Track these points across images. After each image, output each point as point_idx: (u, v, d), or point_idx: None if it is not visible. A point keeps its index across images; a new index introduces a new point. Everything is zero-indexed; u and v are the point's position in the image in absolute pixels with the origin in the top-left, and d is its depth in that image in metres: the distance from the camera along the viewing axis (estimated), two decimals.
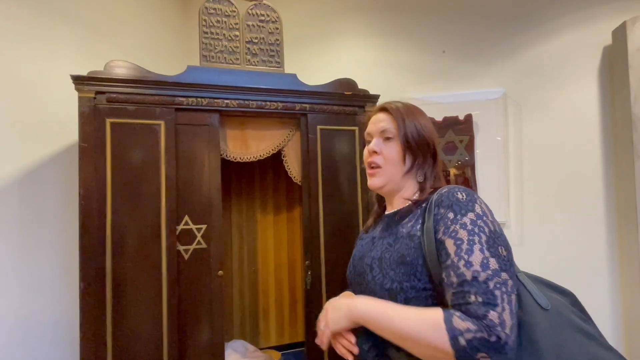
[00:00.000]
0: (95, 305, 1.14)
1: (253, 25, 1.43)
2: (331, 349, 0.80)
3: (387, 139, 0.83)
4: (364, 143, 0.91)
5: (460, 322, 0.61)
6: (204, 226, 1.29)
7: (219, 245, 1.30)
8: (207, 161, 1.30)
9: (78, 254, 1.14)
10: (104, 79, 1.19)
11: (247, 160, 1.42)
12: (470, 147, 1.90)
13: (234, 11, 1.40)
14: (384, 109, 0.86)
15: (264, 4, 1.45)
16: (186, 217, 1.27)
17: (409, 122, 0.81)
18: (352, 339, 0.77)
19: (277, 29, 1.45)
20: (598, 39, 1.83)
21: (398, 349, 0.70)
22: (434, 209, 0.72)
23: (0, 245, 1.22)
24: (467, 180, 1.89)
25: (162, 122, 1.24)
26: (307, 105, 1.41)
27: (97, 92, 1.18)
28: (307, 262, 1.40)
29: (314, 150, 1.41)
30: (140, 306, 1.19)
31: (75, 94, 1.17)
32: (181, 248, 1.26)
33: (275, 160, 1.51)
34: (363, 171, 1.43)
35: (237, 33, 1.40)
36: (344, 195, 1.44)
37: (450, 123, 1.92)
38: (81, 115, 1.17)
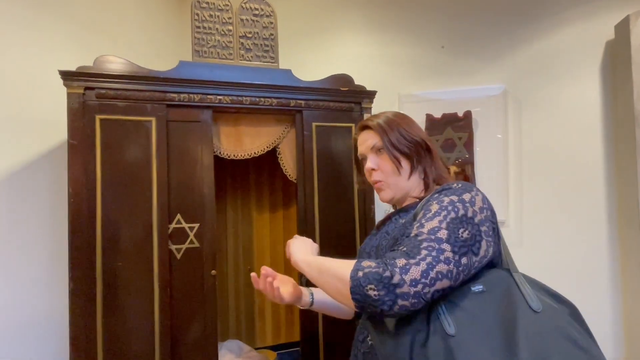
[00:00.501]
0: (85, 304, 1.12)
1: (247, 20, 1.39)
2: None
3: (379, 150, 0.87)
4: (357, 159, 0.97)
5: (368, 262, 0.64)
6: (196, 225, 1.26)
7: (213, 244, 1.27)
8: (199, 158, 1.28)
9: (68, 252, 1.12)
10: (93, 74, 1.16)
11: (242, 157, 1.40)
12: (469, 144, 1.87)
13: (227, 5, 1.37)
14: (365, 127, 0.90)
15: None
16: (178, 216, 1.25)
17: (391, 133, 0.85)
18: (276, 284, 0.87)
19: (271, 23, 1.42)
20: (600, 34, 1.80)
21: (376, 328, 0.71)
22: (430, 197, 0.74)
23: None
24: (467, 178, 1.87)
25: (153, 119, 1.22)
26: (302, 102, 1.38)
27: (86, 88, 1.15)
28: None
29: (309, 147, 1.39)
30: (132, 306, 1.17)
31: (64, 90, 1.14)
32: (173, 247, 1.23)
33: (271, 157, 1.49)
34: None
35: (230, 27, 1.37)
36: (339, 193, 1.42)
37: (449, 120, 1.89)
38: (70, 111, 1.14)
